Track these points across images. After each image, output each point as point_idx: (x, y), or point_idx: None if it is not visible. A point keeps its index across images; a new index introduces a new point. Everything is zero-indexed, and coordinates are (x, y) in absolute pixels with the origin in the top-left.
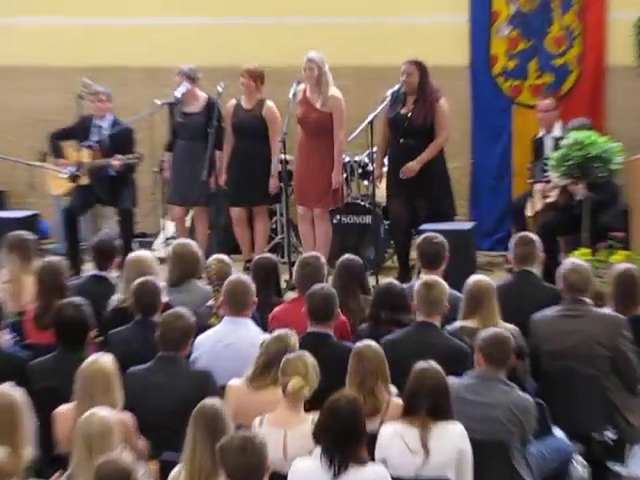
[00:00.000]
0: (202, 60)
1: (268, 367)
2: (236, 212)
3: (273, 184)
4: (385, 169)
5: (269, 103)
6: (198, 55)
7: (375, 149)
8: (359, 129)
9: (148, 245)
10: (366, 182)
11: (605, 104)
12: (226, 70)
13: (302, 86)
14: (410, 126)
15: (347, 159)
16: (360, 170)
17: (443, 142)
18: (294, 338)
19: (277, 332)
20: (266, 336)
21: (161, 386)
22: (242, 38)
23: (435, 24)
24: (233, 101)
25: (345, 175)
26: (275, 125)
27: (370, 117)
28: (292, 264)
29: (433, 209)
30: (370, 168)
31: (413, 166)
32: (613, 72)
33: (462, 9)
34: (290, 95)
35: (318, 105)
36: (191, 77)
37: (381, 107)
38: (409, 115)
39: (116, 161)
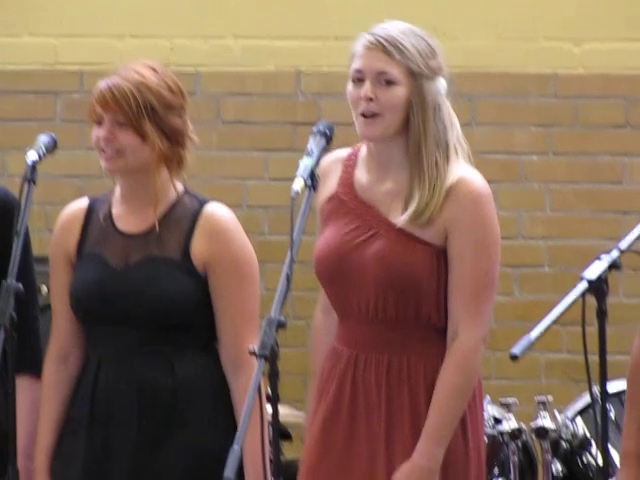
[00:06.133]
0: None
1: None
2: None
3: None
4: None
5: (220, 213)
6: None
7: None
8: (554, 318)
9: None
10: None
11: None
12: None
13: (338, 154)
14: None
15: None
16: (567, 447)
17: None
18: None
19: None
20: None
21: None
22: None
23: None
24: (82, 205)
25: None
26: (244, 291)
27: None
28: None
29: None
30: (594, 450)
31: None
32: None
33: None
34: (293, 192)
35: (401, 214)
36: None
37: None
38: None
39: None
